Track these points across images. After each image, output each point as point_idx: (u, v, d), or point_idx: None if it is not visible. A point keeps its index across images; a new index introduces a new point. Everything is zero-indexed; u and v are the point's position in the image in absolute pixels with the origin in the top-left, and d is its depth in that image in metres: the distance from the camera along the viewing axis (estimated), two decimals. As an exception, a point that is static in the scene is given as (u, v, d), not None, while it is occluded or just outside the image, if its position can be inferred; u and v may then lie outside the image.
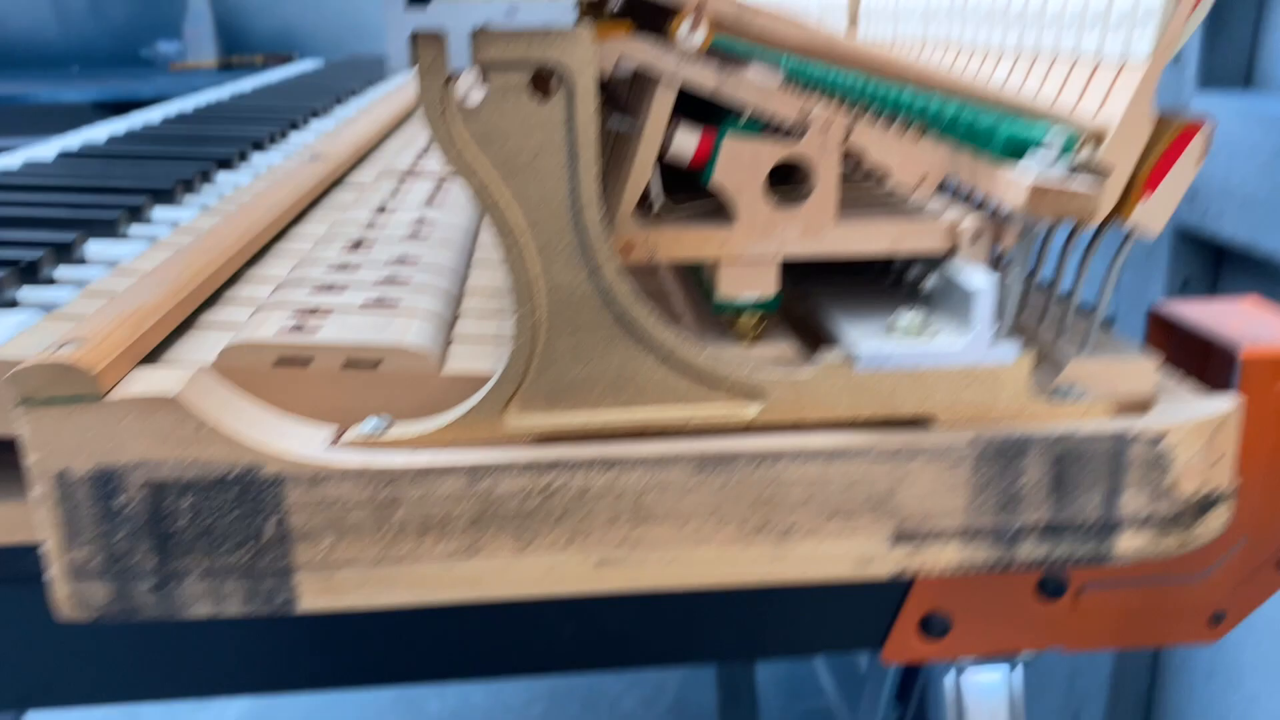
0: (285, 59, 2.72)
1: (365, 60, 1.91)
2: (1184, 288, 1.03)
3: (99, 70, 2.65)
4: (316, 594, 0.40)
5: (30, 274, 0.52)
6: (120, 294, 0.45)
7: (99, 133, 0.97)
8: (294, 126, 1.01)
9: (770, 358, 0.43)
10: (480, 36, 0.35)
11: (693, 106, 0.41)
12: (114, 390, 0.37)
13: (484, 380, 0.41)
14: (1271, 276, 0.94)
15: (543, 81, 0.36)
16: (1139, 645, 0.60)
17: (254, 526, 0.39)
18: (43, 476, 0.38)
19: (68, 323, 0.45)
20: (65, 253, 0.55)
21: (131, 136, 0.95)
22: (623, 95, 0.47)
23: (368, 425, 0.40)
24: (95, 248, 0.57)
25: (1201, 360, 0.50)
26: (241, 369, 0.42)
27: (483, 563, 0.40)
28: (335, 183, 0.78)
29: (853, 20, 0.75)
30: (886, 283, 0.47)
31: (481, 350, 0.45)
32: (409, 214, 0.64)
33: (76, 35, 2.73)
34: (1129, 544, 0.42)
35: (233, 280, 0.54)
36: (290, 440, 0.39)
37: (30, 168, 0.78)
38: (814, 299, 0.46)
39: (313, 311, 0.45)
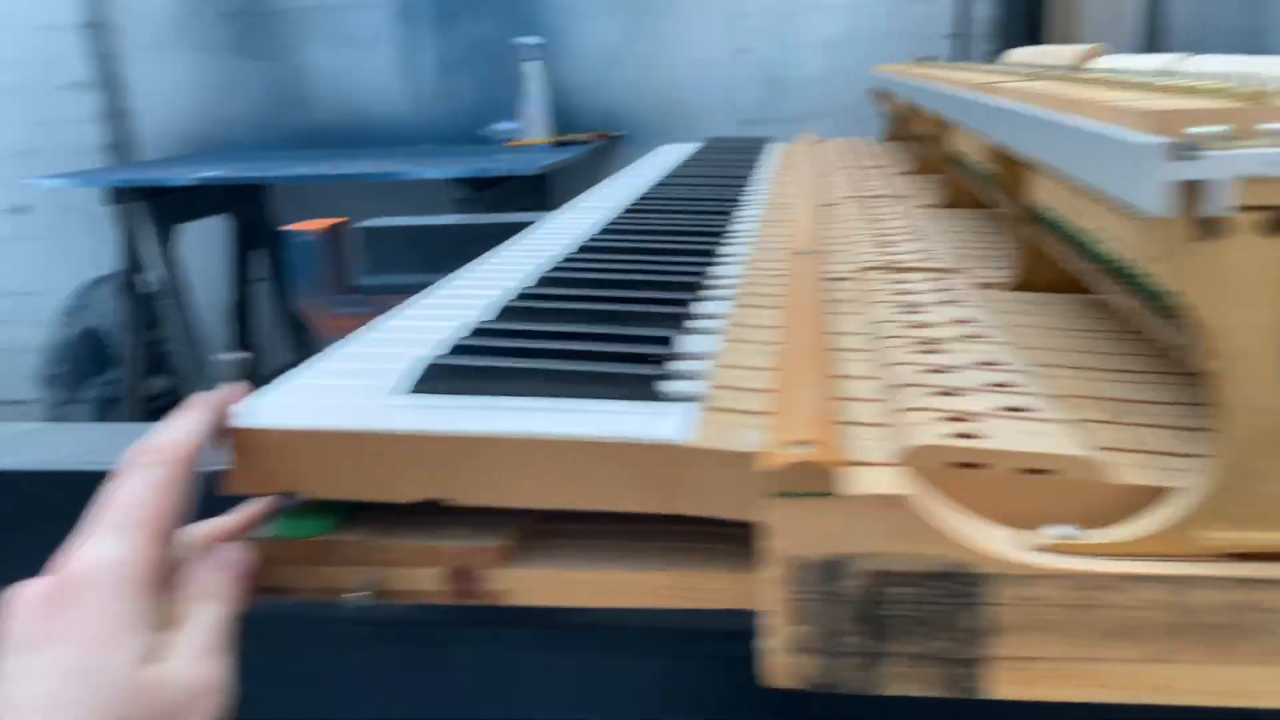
0: (614, 136, 2.90)
1: (735, 143, 1.97)
2: None
3: (446, 148, 2.93)
4: (1005, 684, 0.43)
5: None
6: (789, 393, 0.51)
7: (580, 223, 1.04)
8: (726, 216, 1.08)
9: None
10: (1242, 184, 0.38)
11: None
12: (850, 487, 0.42)
13: (1153, 492, 0.44)
14: None
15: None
16: None
17: (958, 618, 0.43)
18: (779, 560, 0.43)
19: (745, 416, 0.50)
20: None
21: (625, 232, 1.01)
22: None
23: (1056, 532, 0.43)
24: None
25: None
26: (918, 469, 0.46)
27: (1174, 669, 0.42)
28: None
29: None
30: None
31: (1140, 460, 0.47)
32: (940, 313, 0.68)
33: (427, 116, 3.02)
34: None
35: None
36: (995, 541, 0.43)
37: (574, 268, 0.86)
38: None
39: (957, 418, 0.49)
